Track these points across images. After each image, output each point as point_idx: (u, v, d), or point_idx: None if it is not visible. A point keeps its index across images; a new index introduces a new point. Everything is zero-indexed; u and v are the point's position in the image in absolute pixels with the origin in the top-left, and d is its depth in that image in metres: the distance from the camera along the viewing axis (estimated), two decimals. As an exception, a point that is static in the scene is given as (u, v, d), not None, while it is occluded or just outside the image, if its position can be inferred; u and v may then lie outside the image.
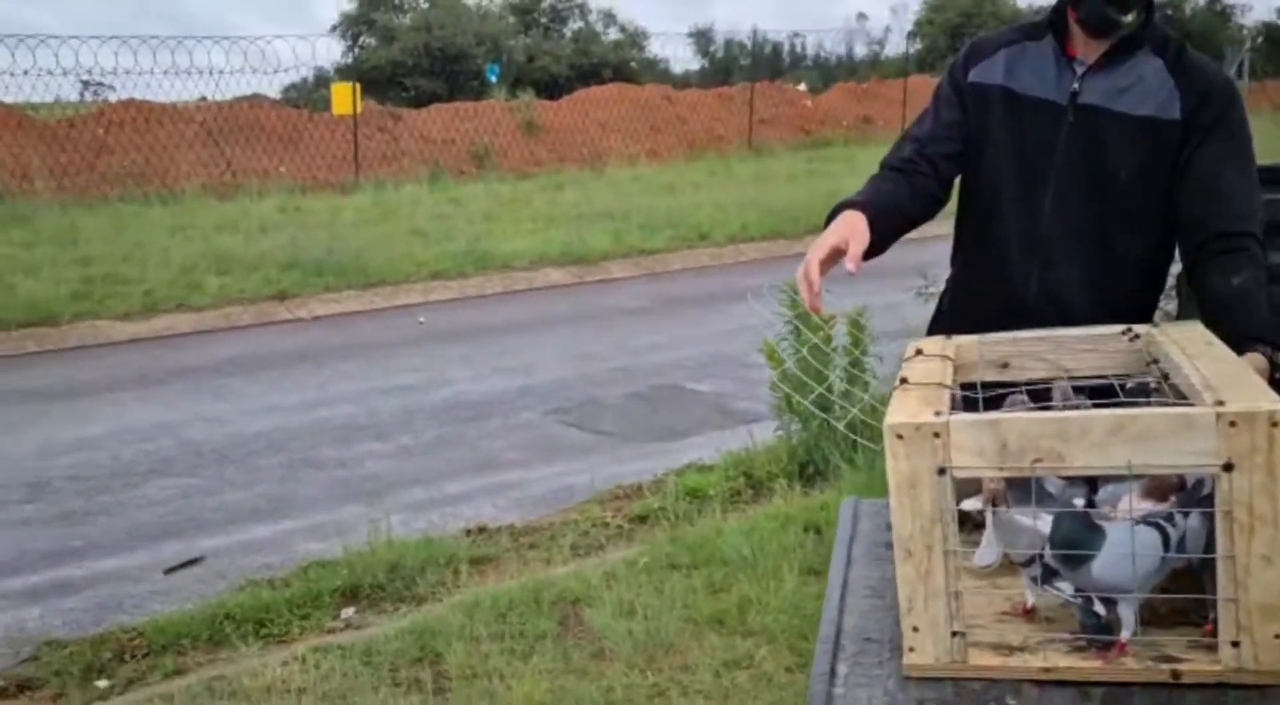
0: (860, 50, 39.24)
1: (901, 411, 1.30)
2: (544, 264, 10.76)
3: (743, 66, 35.97)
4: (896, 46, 37.26)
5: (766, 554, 3.93)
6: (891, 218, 1.96)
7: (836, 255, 1.79)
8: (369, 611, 3.95)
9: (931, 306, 2.35)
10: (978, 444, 1.24)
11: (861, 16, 49.27)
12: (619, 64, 36.00)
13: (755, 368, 6.21)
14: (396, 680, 3.32)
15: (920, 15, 39.05)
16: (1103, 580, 1.29)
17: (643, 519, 4.65)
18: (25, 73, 15.22)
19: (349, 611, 3.95)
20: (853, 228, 1.85)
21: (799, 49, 39.60)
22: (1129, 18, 1.91)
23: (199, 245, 10.80)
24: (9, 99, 14.96)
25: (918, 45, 36.61)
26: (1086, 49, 1.99)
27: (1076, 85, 1.97)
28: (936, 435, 1.24)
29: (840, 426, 4.90)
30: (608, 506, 4.83)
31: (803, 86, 25.06)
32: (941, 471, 1.25)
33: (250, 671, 3.40)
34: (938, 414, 1.26)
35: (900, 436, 1.26)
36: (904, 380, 1.43)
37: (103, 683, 3.58)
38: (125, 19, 63.35)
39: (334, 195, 14.54)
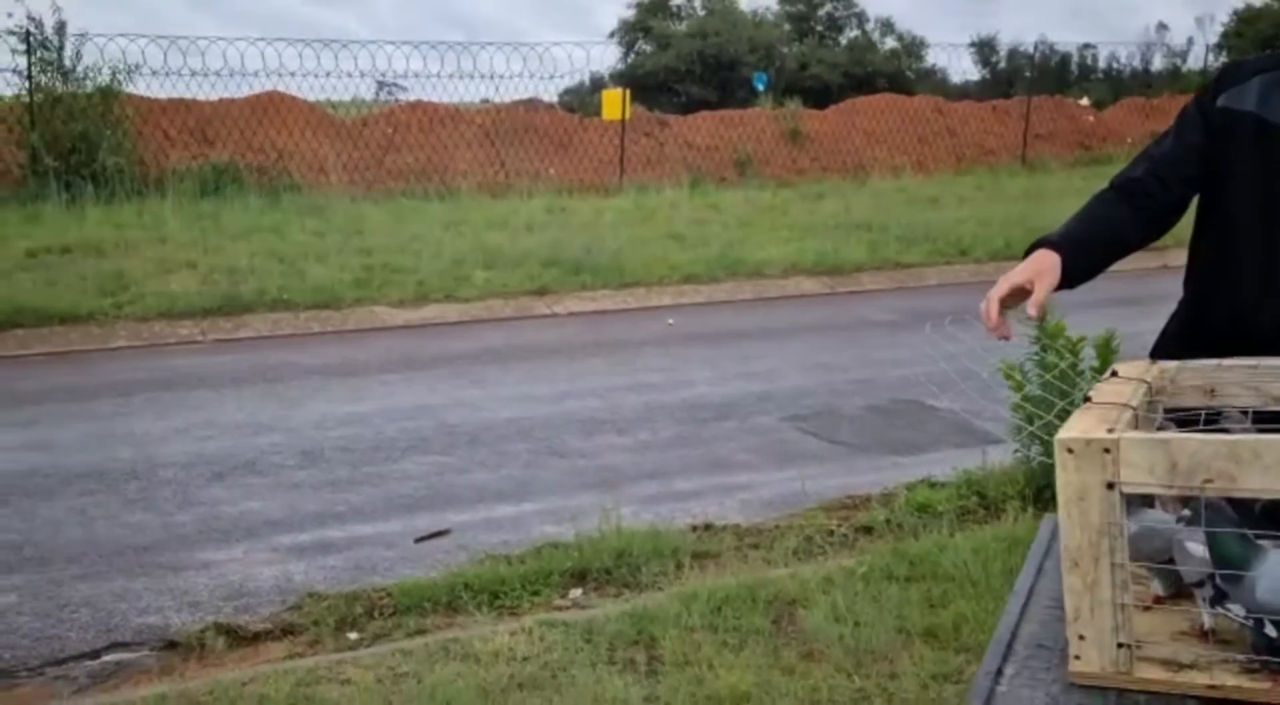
0: (1158, 63, 37.13)
1: (1075, 427, 1.32)
2: (796, 272, 10.81)
3: (1026, 78, 34.80)
4: (1200, 60, 35.06)
5: (989, 573, 3.87)
6: (1098, 249, 1.96)
7: (1020, 294, 1.82)
8: (594, 593, 4.15)
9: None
10: (1148, 461, 1.25)
11: (1162, 27, 46.56)
12: (894, 73, 35.53)
13: (1001, 387, 6.08)
14: (613, 659, 3.49)
15: (1228, 27, 36.59)
16: (1268, 602, 1.28)
17: (868, 529, 4.66)
18: (328, 74, 16.53)
19: (576, 592, 4.16)
20: (1040, 268, 1.86)
21: (1089, 61, 37.88)
22: None
23: (470, 240, 11.44)
24: (312, 98, 16.30)
25: (1224, 59, 34.33)
26: None
27: (1330, 117, 1.86)
28: (1107, 451, 1.27)
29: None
30: (834, 514, 4.86)
31: (1085, 101, 23.98)
32: (1110, 486, 1.27)
33: (482, 637, 3.65)
34: (1110, 431, 1.28)
35: (1070, 451, 1.29)
36: (1088, 399, 1.45)
37: (353, 635, 3.92)
38: (421, 23, 67.47)
39: (598, 197, 15.07)
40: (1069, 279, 1.91)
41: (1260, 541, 1.32)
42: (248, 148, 14.95)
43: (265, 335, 8.62)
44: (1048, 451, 4.94)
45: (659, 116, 19.59)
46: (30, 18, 13.91)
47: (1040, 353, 4.86)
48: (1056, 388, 4.70)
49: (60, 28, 14.10)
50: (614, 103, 17.24)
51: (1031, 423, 4.97)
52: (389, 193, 14.75)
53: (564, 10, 63.69)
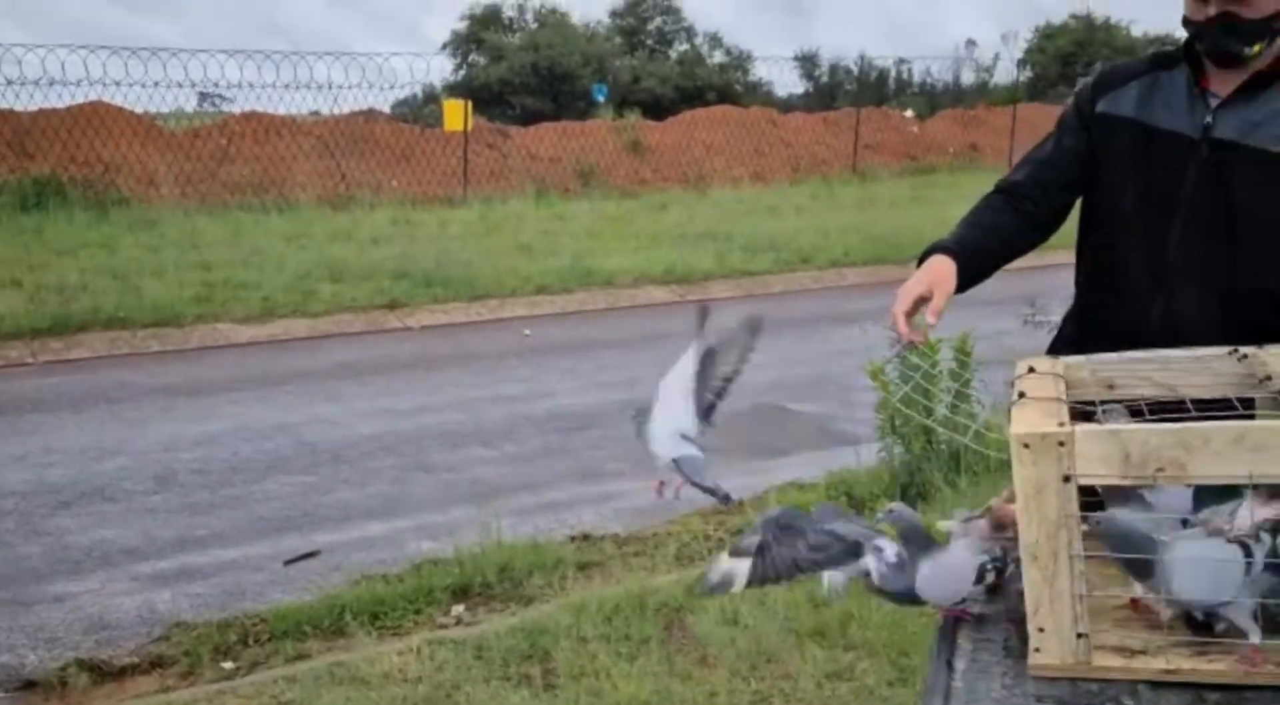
0: (968, 77, 38.84)
1: (1025, 422, 1.37)
2: (647, 282, 10.91)
3: (848, 91, 35.89)
4: (1006, 74, 36.84)
5: (868, 572, 3.98)
6: (988, 255, 2.05)
7: (920, 303, 1.89)
8: (479, 609, 4.10)
9: (1039, 334, 2.41)
10: (1102, 453, 1.31)
11: (970, 43, 48.74)
12: (723, 86, 36.17)
13: (857, 391, 6.27)
14: (507, 675, 3.45)
15: (1031, 43, 38.61)
16: (1179, 591, 1.36)
17: (743, 533, 4.74)
18: (156, 84, 15.86)
19: (459, 608, 4.10)
20: (937, 276, 1.93)
21: (905, 75, 39.38)
22: (1253, 49, 1.89)
23: (314, 254, 11.16)
24: (136, 109, 15.62)
25: (1028, 73, 36.17)
26: (1221, 82, 1.97)
27: (1209, 118, 1.96)
28: (1061, 444, 1.32)
29: (944, 449, 4.94)
30: (709, 520, 4.92)
31: (909, 112, 24.94)
32: (1067, 479, 1.32)
33: (368, 659, 3.56)
34: (1062, 424, 1.34)
35: (1027, 446, 1.34)
36: (1021, 394, 1.51)
37: (229, 664, 3.77)
38: (241, 33, 65.50)
39: (443, 209, 14.90)
40: (960, 285, 1.98)
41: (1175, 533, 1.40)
42: (71, 160, 14.22)
43: (102, 355, 8.21)
44: (909, 450, 5.15)
45: (500, 128, 19.51)
46: None
47: (900, 355, 5.03)
48: (921, 388, 4.87)
49: None
50: (455, 114, 17.09)
51: (893, 423, 5.16)
52: (225, 206, 14.25)
53: (391, 22, 62.74)
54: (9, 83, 14.40)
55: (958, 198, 15.92)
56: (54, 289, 9.26)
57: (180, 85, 15.87)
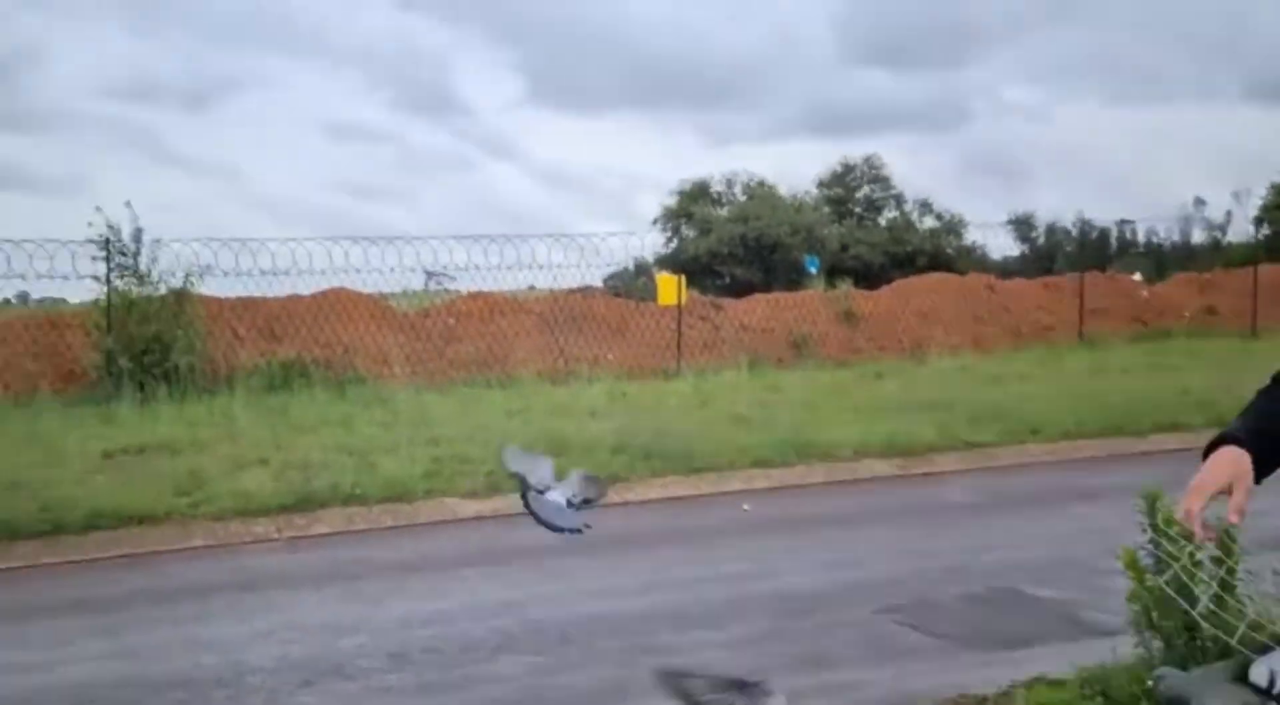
0: (1198, 237, 37.35)
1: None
2: (867, 454, 10.70)
3: (1067, 254, 35.07)
4: (1241, 233, 35.23)
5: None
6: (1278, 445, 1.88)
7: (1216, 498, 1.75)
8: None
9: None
10: None
11: (1199, 202, 46.72)
12: (935, 251, 36.01)
13: (1104, 575, 5.87)
14: None
15: (1267, 199, 36.91)
16: None
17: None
18: (392, 270, 16.92)
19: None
20: (1236, 469, 1.78)
21: (1128, 235, 38.22)
22: None
23: (535, 428, 11.47)
24: (368, 291, 16.68)
25: (1265, 231, 34.51)
26: None
27: None
28: None
29: (1211, 646, 4.53)
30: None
31: (1137, 276, 24.11)
32: None
33: None
34: None
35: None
36: None
37: None
38: (466, 216, 69.76)
39: (658, 381, 15.16)
40: (1256, 477, 1.84)
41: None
42: (314, 343, 15.26)
43: (340, 531, 8.57)
44: (1170, 646, 4.75)
45: (713, 300, 19.88)
46: (109, 226, 14.48)
47: (1154, 542, 4.70)
48: (1177, 581, 4.52)
49: (137, 234, 14.67)
50: (669, 287, 17.53)
51: (1149, 616, 4.78)
52: (451, 382, 14.92)
53: (604, 200, 65.66)
54: (263, 273, 15.66)
55: (1197, 365, 15.22)
56: (298, 466, 9.79)
57: (412, 270, 16.92)
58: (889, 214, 41.06)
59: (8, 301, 17.81)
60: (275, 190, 68.08)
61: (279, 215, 62.60)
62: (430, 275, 20.60)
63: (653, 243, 38.65)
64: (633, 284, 27.02)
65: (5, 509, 8.39)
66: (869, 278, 26.65)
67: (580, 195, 65.61)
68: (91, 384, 13.99)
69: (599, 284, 23.92)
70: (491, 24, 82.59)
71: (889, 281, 21.33)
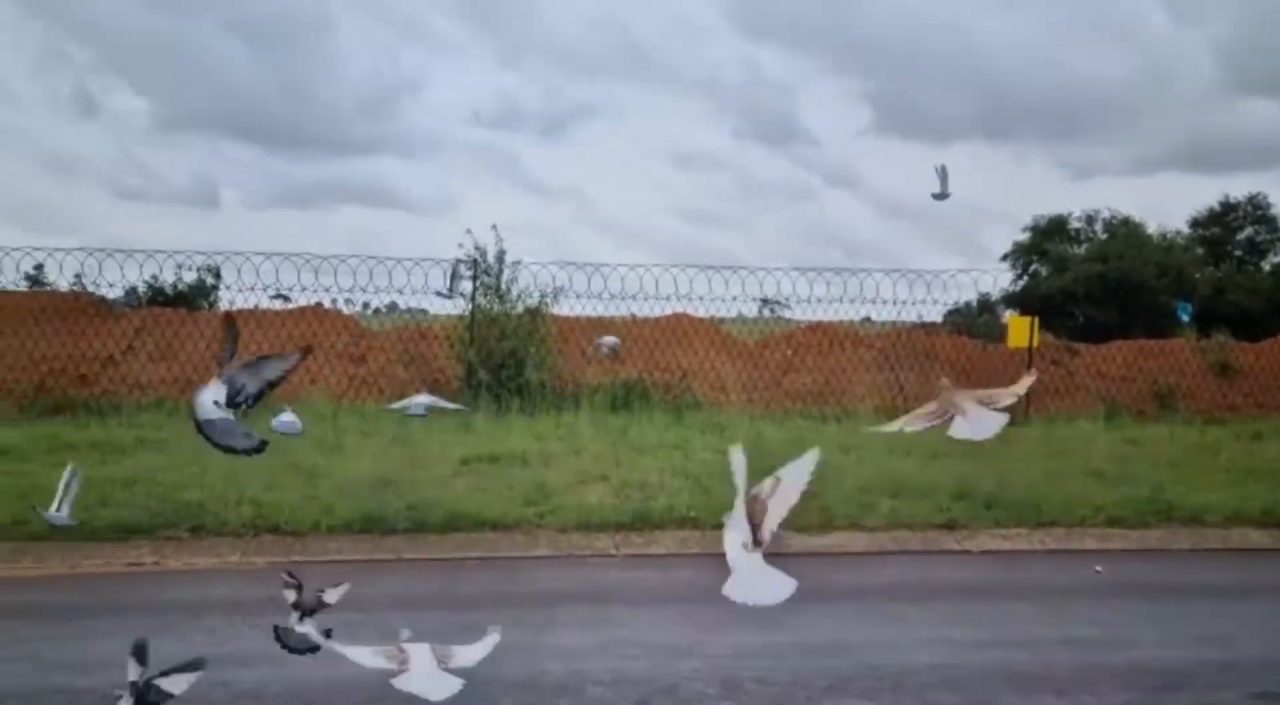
0: None
1: None
2: (1240, 522, 9.71)
3: None
4: None
5: None
6: None
7: None
8: None
9: None
10: None
11: None
12: (1329, 300, 32.54)
13: None
14: None
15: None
16: None
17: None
18: (733, 299, 17.11)
19: None
20: None
21: None
22: None
23: (872, 466, 11.20)
24: (703, 315, 16.93)
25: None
26: None
27: None
28: None
29: None
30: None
31: None
32: None
33: None
34: None
35: None
36: None
37: None
38: (802, 245, 69.93)
39: (1007, 427, 14.43)
40: None
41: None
42: (654, 365, 15.70)
43: (674, 553, 8.71)
44: None
45: (1067, 344, 18.80)
46: (476, 248, 15.58)
47: None
48: None
49: (500, 256, 15.71)
50: (1020, 329, 16.71)
51: None
52: (786, 413, 14.90)
53: (946, 233, 63.93)
54: (611, 296, 16.27)
55: None
56: (636, 485, 10.06)
57: (751, 299, 17.03)
58: (1275, 258, 37.48)
59: (378, 310, 19.46)
60: (620, 214, 71.18)
61: (622, 238, 65.47)
62: (766, 303, 20.76)
63: (1001, 280, 37.17)
64: (975, 322, 26.06)
65: (377, 505, 9.12)
66: (1248, 327, 24.35)
67: (921, 227, 64.24)
68: (453, 393, 15.01)
69: (939, 320, 23.18)
70: (839, 53, 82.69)
71: (1272, 332, 19.35)
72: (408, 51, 73.41)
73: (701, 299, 16.20)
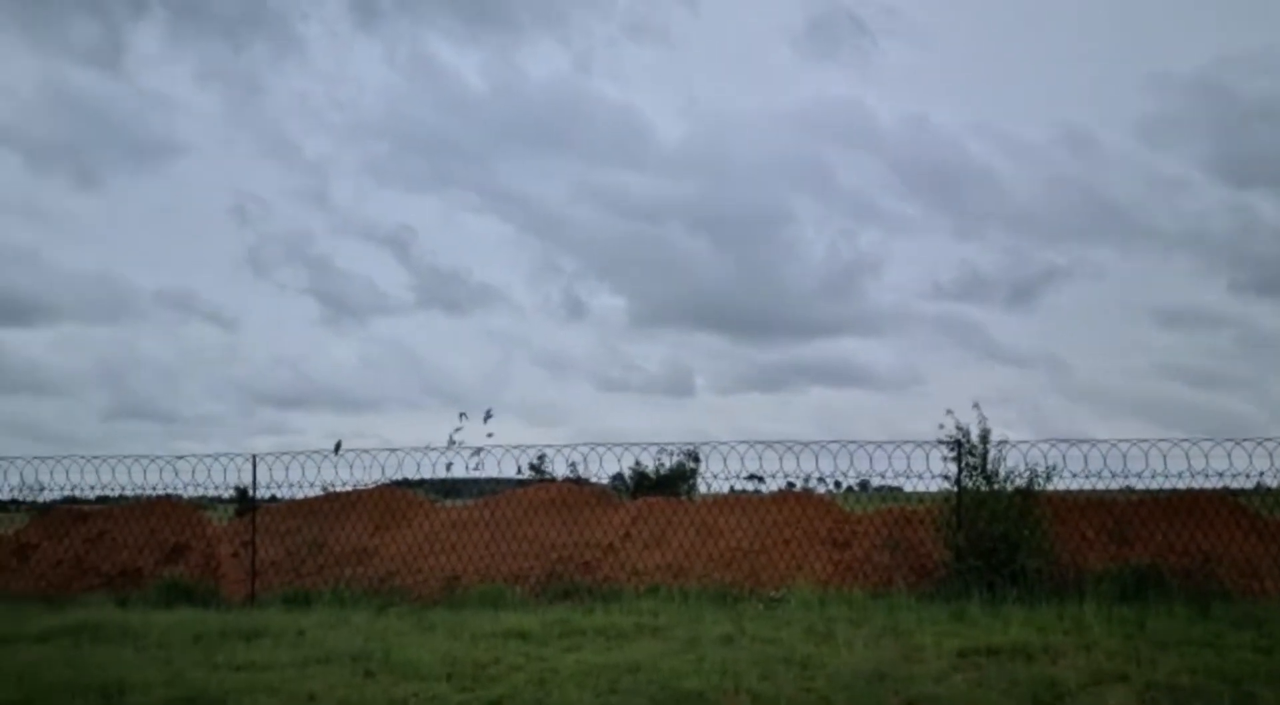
0: None
1: None
2: None
3: None
4: None
5: None
6: None
7: None
8: None
9: None
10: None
11: None
12: None
13: None
14: None
15: None
16: None
17: None
18: (1253, 474, 15.16)
19: None
20: None
21: None
22: None
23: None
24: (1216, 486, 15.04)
25: None
26: None
27: None
28: None
29: None
30: None
31: None
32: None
33: None
34: None
35: None
36: None
37: None
38: None
39: None
40: None
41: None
42: (1169, 549, 14.20)
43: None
44: None
45: None
46: (958, 427, 15.11)
47: None
48: None
49: (984, 435, 15.11)
50: None
51: None
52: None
53: None
54: (1113, 475, 14.95)
55: None
56: (1163, 688, 8.94)
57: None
58: None
59: (850, 489, 19.25)
60: (1099, 379, 66.87)
61: (1105, 406, 61.09)
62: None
63: None
64: None
65: (869, 698, 8.76)
66: None
67: None
68: (941, 580, 14.41)
69: None
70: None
71: None
72: (865, 233, 74.96)
73: (1220, 475, 14.47)
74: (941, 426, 15.16)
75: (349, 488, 17.21)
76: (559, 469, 18.11)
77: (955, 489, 14.95)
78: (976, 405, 15.23)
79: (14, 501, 19.30)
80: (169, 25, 73.12)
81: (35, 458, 17.51)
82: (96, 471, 16.92)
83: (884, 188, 74.61)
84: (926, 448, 15.11)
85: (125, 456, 16.85)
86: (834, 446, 15.58)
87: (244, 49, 73.45)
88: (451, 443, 16.62)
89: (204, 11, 71.49)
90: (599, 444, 16.67)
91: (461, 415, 16.93)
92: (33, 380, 62.71)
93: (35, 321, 68.64)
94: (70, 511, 18.59)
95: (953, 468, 15.01)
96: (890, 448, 15.26)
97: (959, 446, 14.97)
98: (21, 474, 17.34)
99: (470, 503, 18.13)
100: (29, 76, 73.81)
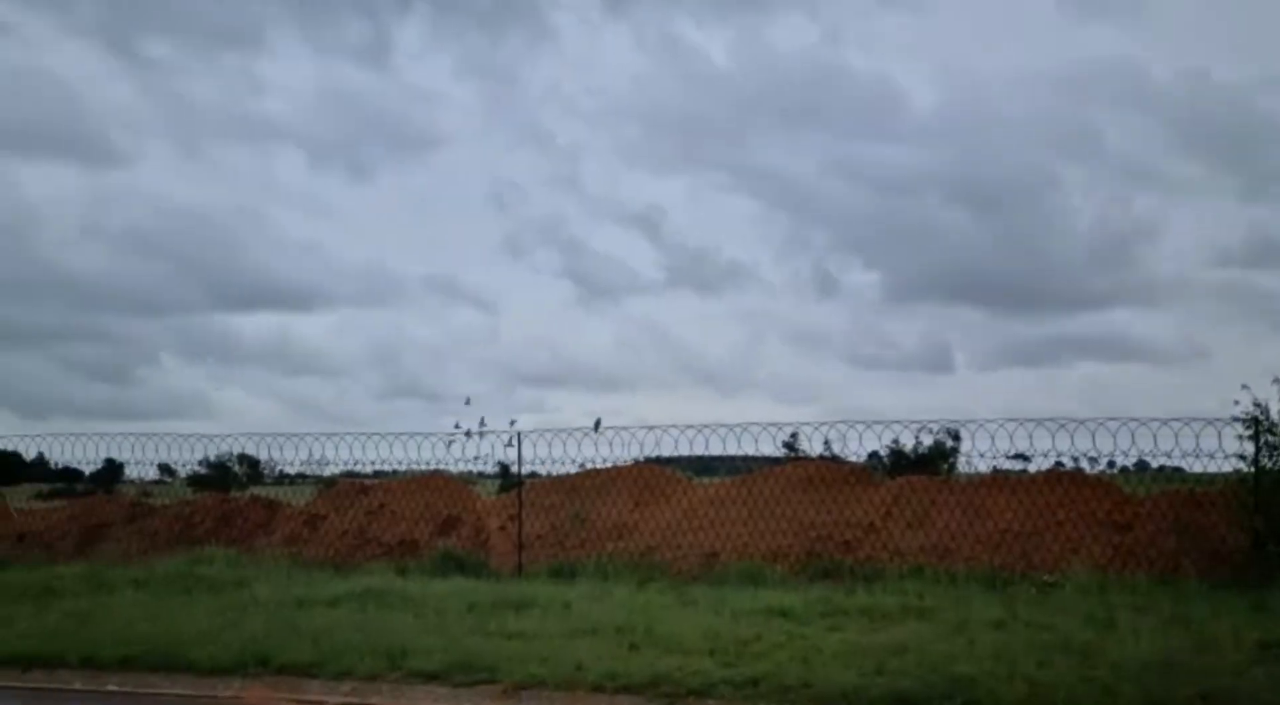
0: None
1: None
2: None
3: None
4: None
5: None
6: None
7: None
8: None
9: None
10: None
11: None
12: None
13: None
14: None
15: None
16: None
17: None
18: None
19: None
20: None
21: None
22: None
23: None
24: None
25: None
26: None
27: None
28: None
29: None
30: None
31: None
32: None
33: None
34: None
35: None
36: None
37: None
38: None
39: None
40: None
41: None
42: None
43: None
44: None
45: None
46: (1256, 404, 13.85)
47: None
48: None
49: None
50: None
51: None
52: None
53: None
54: None
55: None
56: None
57: None
58: None
59: (1125, 469, 17.94)
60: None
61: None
62: None
63: None
64: None
65: (1159, 689, 8.18)
66: None
67: None
68: (1236, 567, 13.32)
69: None
70: None
71: None
72: (1140, 197, 69.89)
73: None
74: (1237, 403, 13.91)
75: (608, 464, 17.51)
76: (813, 447, 17.81)
77: (1252, 469, 13.73)
78: (1278, 380, 13.91)
79: (301, 475, 20.75)
80: (431, 21, 76.69)
81: (322, 434, 18.72)
82: (375, 447, 17.95)
83: (1161, 149, 69.48)
84: (1218, 425, 13.94)
85: (401, 434, 17.76)
86: (1112, 424, 14.58)
87: (500, 41, 76.25)
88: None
89: (463, 6, 74.61)
90: (855, 421, 16.35)
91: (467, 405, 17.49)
92: (316, 363, 67.23)
93: (316, 308, 73.52)
94: (353, 485, 19.79)
95: (1249, 446, 13.79)
96: (1177, 425, 14.12)
97: (1256, 424, 13.73)
98: (310, 449, 18.53)
99: (726, 480, 18.12)
100: (309, 76, 79.04)
